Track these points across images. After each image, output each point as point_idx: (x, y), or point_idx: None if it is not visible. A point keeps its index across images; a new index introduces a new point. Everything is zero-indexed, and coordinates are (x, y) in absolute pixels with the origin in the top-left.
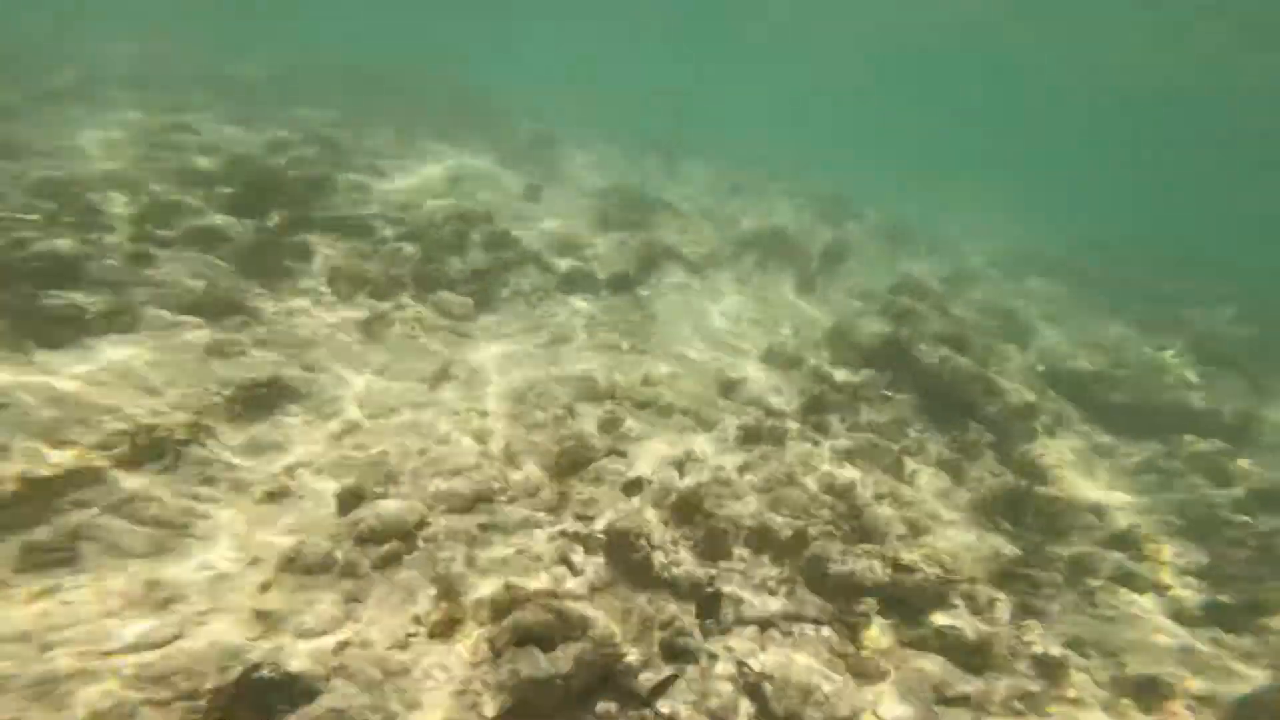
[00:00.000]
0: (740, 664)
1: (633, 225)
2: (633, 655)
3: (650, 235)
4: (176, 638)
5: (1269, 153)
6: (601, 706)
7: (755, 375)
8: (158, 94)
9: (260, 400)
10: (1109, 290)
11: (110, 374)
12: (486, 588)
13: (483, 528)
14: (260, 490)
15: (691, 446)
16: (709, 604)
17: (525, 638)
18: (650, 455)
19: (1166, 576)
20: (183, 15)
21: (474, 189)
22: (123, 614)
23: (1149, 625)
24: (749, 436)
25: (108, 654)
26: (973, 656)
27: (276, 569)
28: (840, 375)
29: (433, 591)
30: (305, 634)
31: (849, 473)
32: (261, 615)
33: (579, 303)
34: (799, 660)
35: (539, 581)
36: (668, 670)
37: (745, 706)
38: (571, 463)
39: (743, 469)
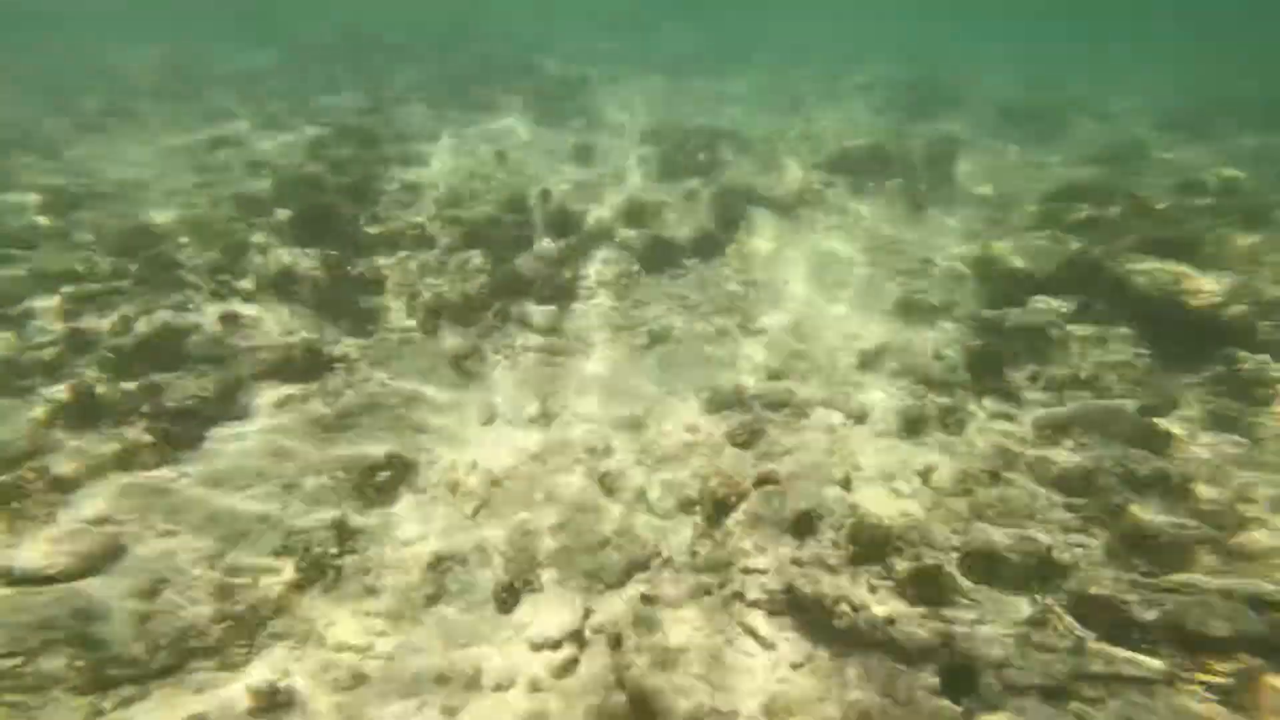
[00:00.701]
0: None
1: (700, 169)
2: None
3: (724, 180)
4: None
5: None
6: None
7: (894, 336)
8: (187, 105)
9: (385, 483)
10: None
11: (243, 474)
12: (681, 700)
13: (647, 600)
14: (418, 597)
15: (851, 451)
16: (955, 676)
17: None
18: (804, 473)
19: None
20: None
21: (521, 161)
22: None
23: None
24: (913, 422)
25: None
26: None
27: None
28: (1011, 316)
29: (623, 697)
30: None
31: (1071, 454)
32: None
33: (668, 284)
34: None
35: (729, 670)
36: None
37: None
38: (719, 502)
39: (925, 473)
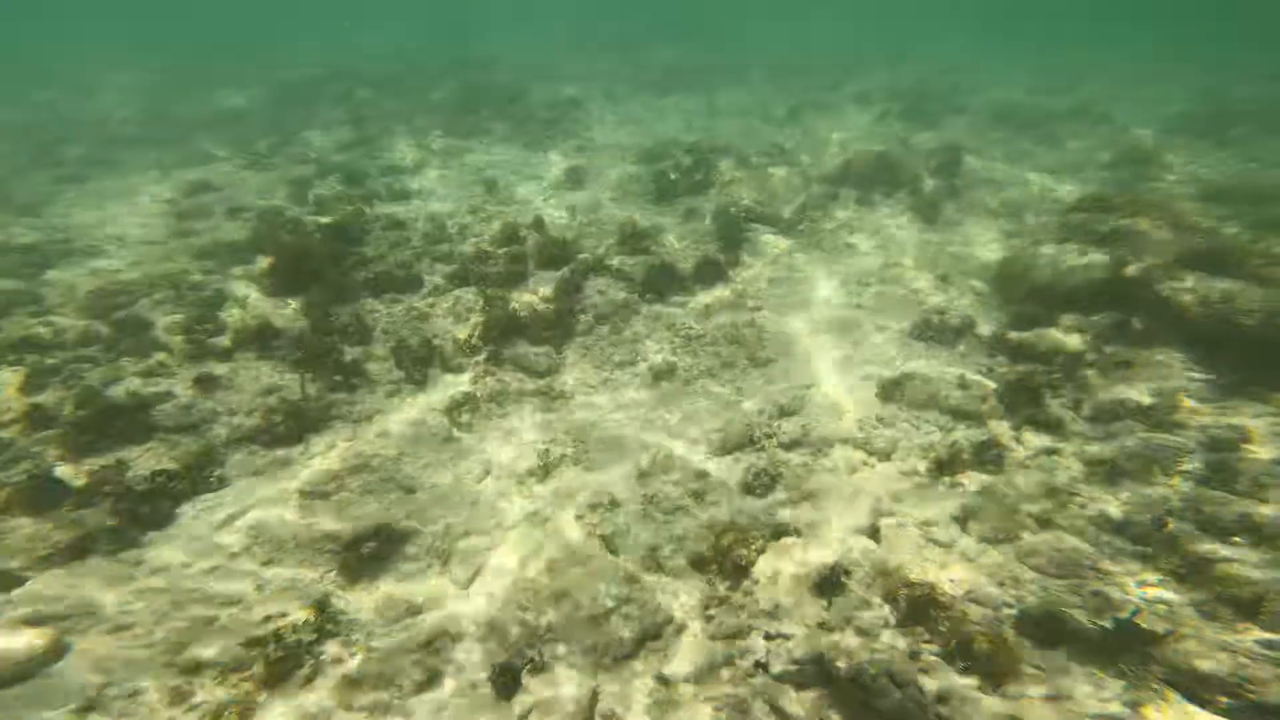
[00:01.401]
0: None
1: (697, 188)
2: None
3: (722, 199)
4: None
5: None
6: None
7: (915, 361)
8: (169, 151)
9: (374, 556)
10: None
11: (215, 555)
12: None
13: (662, 682)
14: (412, 681)
15: (877, 495)
16: None
17: None
18: (826, 521)
19: None
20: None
21: (510, 189)
22: None
23: None
24: (946, 461)
25: None
26: None
27: None
28: (1042, 336)
29: None
30: None
31: (1133, 494)
32: None
33: (671, 312)
34: None
35: None
36: None
37: None
38: (732, 559)
39: (963, 518)
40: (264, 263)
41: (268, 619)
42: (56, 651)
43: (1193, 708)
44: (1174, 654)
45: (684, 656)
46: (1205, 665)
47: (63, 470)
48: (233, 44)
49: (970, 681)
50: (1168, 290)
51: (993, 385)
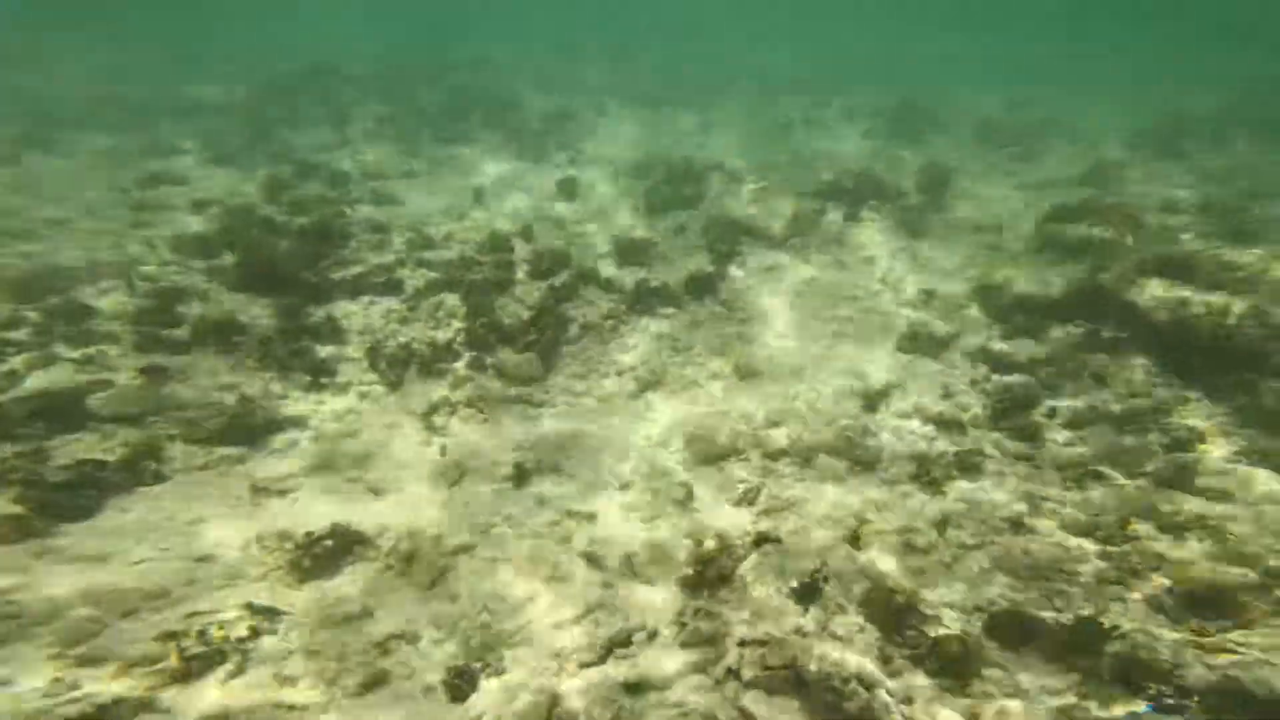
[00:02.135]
0: None
1: (687, 202)
2: None
3: (713, 212)
4: None
5: None
6: None
7: (900, 373)
8: (126, 137)
9: (328, 554)
10: None
11: (144, 549)
12: None
13: (629, 689)
14: (354, 681)
15: (859, 503)
16: None
17: None
18: (808, 529)
19: None
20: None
21: (501, 197)
22: None
23: None
24: (926, 470)
25: None
26: None
27: None
28: (1024, 347)
29: None
30: None
31: (1102, 498)
32: None
33: (660, 325)
34: None
35: None
36: None
37: None
38: (715, 569)
39: (941, 524)
40: (229, 258)
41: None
42: None
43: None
44: (1121, 646)
45: None
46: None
47: None
48: (213, 34)
49: (941, 684)
50: (1133, 296)
51: (974, 394)
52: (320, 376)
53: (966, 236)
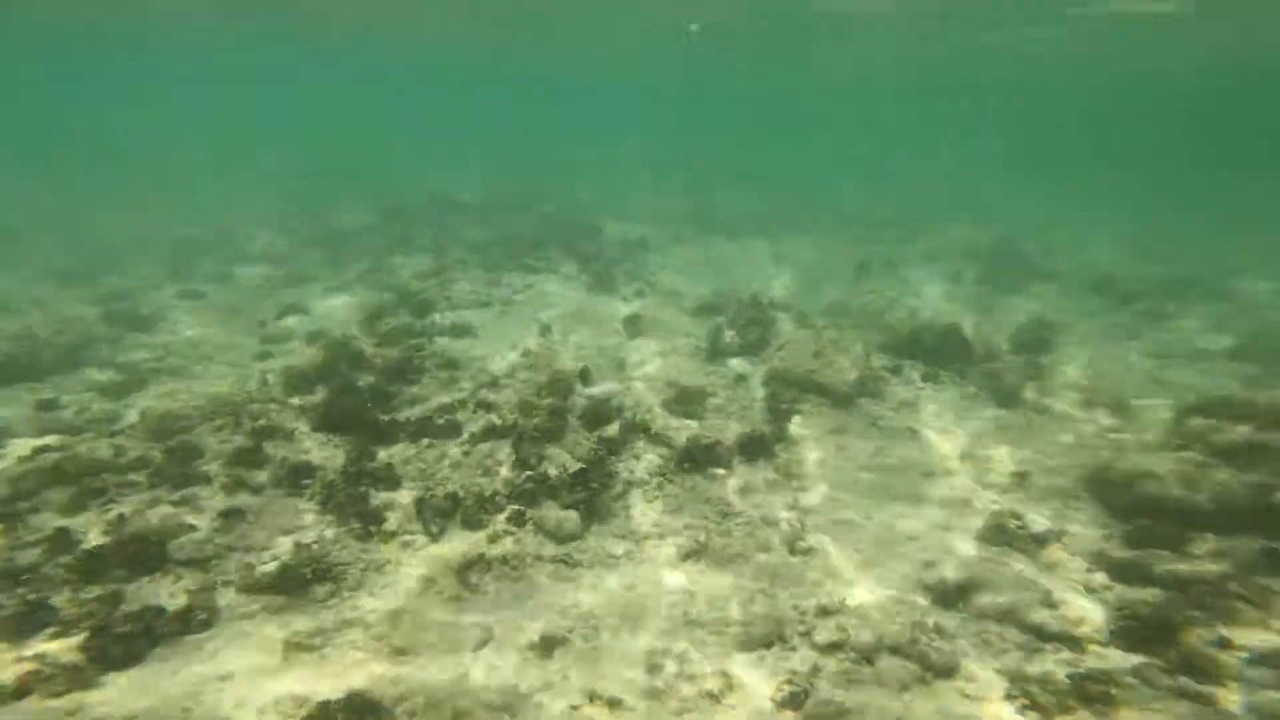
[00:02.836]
0: None
1: (751, 348)
2: None
3: (775, 362)
4: None
5: None
6: None
7: (985, 568)
8: (277, 267)
9: None
10: None
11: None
12: None
13: None
14: None
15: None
16: None
17: None
18: None
19: None
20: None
21: (566, 333)
22: None
23: None
24: (1030, 692)
25: None
26: None
27: None
28: (1160, 557)
29: None
30: None
31: None
32: None
33: (709, 487)
34: None
35: None
36: None
37: None
38: None
39: None
40: (320, 394)
41: None
42: None
43: None
44: None
45: None
46: None
47: (59, 599)
48: (347, 166)
49: None
50: None
51: (1094, 606)
52: (369, 524)
53: (1077, 413)
